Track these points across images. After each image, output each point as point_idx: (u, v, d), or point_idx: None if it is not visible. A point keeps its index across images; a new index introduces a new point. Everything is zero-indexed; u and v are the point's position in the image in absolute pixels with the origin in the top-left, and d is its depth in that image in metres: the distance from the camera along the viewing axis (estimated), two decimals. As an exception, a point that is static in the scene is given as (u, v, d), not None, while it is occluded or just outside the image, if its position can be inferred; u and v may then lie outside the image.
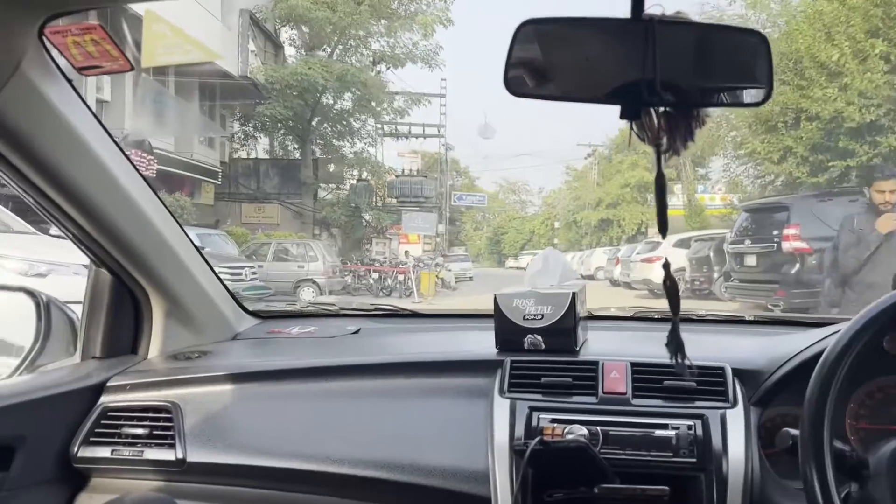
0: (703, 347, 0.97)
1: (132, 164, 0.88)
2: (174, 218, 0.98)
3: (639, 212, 22.55)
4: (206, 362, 1.02)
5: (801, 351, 0.85)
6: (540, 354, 0.97)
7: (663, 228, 0.52)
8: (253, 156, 17.70)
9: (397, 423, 0.91)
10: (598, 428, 0.82)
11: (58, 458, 0.88)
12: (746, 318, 1.23)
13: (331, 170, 17.18)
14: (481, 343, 1.03)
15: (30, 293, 0.95)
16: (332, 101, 16.22)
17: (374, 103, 16.28)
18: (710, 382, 0.85)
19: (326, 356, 1.04)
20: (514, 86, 0.53)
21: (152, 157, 9.70)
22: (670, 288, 0.53)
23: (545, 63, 0.53)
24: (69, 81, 0.78)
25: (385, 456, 0.86)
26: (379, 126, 18.28)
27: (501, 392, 0.89)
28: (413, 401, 0.93)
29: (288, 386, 0.95)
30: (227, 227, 13.36)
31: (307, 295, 9.95)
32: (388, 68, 16.81)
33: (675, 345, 0.58)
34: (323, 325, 1.25)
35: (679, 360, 0.58)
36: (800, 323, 1.18)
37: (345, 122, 16.95)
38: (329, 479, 0.85)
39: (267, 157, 17.88)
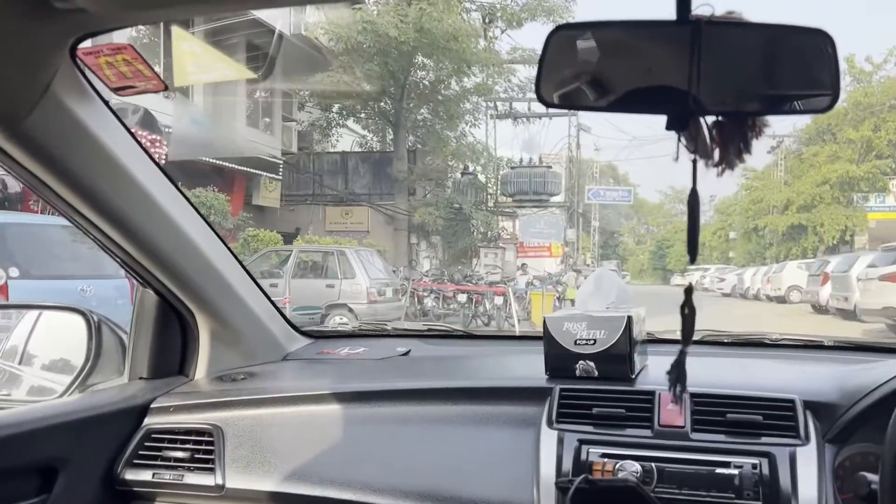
0: (772, 376, 1.04)
1: (173, 182, 1.14)
2: (219, 237, 1.25)
3: (841, 215, 21.73)
4: (251, 384, 1.25)
5: (885, 383, 0.89)
6: (592, 382, 1.11)
7: (693, 254, 0.56)
8: (326, 149, 18.38)
9: (441, 451, 1.08)
10: (653, 464, 0.92)
11: (100, 481, 1.12)
12: (825, 344, 1.25)
13: (430, 163, 17.46)
14: (533, 368, 1.18)
15: (81, 313, 1.29)
16: (422, 67, 16.10)
17: (476, 69, 16.03)
18: (779, 416, 0.93)
19: (373, 379, 1.26)
20: (547, 96, 0.61)
21: (159, 138, 9.21)
22: (687, 315, 0.59)
23: (581, 71, 0.59)
24: (105, 102, 0.98)
25: (425, 486, 1.02)
26: (489, 104, 18.45)
27: (549, 423, 1.03)
28: (459, 428, 1.10)
29: (331, 410, 1.15)
30: (308, 236, 14.01)
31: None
32: (502, 31, 16.80)
33: (676, 373, 0.69)
34: (373, 346, 1.49)
35: (677, 391, 0.69)
36: (886, 349, 1.17)
37: (441, 99, 16.85)
38: None
39: (355, 149, 18.66)
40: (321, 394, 1.17)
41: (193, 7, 0.91)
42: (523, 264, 16.15)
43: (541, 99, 0.62)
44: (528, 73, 17.16)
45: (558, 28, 0.62)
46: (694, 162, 0.55)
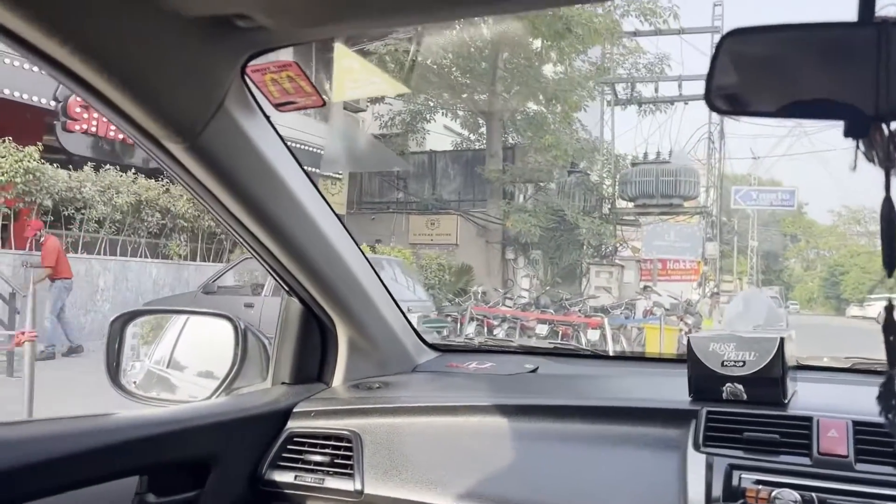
0: None
1: (322, 196, 1.45)
2: (360, 250, 1.56)
3: None
4: (387, 393, 1.53)
5: None
6: (741, 406, 1.29)
7: (890, 267, 0.61)
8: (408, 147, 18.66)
9: (577, 470, 1.28)
10: (814, 494, 1.06)
11: (247, 480, 1.44)
12: None
13: (530, 161, 17.60)
14: (672, 391, 1.40)
15: (230, 319, 1.64)
16: (518, 40, 16.25)
17: (581, 45, 16.00)
18: None
19: (505, 394, 1.51)
20: (719, 103, 0.71)
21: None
22: (891, 334, 0.65)
23: (755, 77, 0.70)
24: (267, 118, 1.23)
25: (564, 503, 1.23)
26: (603, 87, 18.41)
27: (696, 446, 1.19)
28: (596, 448, 1.31)
29: (466, 422, 1.39)
30: (386, 248, 14.61)
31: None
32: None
33: (887, 400, 0.75)
34: (500, 362, 1.78)
35: (891, 419, 0.74)
36: None
37: (543, 82, 16.81)
38: None
39: (439, 147, 18.96)
40: (457, 405, 1.44)
41: (371, 20, 1.07)
42: (645, 287, 15.53)
43: (710, 104, 0.72)
44: (657, 45, 16.99)
45: (731, 32, 0.71)
46: (886, 168, 0.61)
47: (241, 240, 1.40)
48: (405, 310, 1.73)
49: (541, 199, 17.76)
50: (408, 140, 18.88)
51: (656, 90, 18.58)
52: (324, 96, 1.29)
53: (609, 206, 18.84)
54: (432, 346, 1.85)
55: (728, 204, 24.71)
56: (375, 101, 17.88)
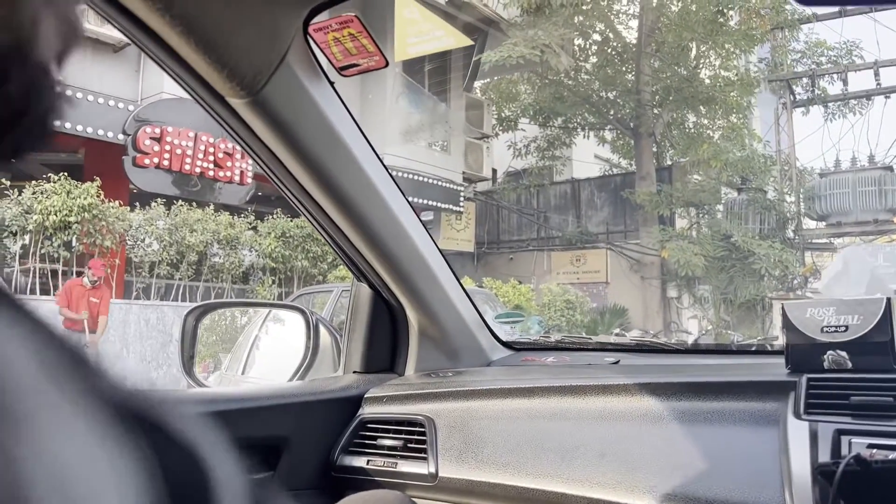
0: None
1: (391, 175, 1.61)
2: (432, 238, 1.73)
3: None
4: (461, 378, 1.71)
5: None
6: (846, 374, 1.35)
7: None
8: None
9: (665, 448, 1.33)
10: None
11: (319, 465, 1.62)
12: None
13: (690, 181, 17.26)
14: (770, 370, 1.47)
15: (302, 312, 1.88)
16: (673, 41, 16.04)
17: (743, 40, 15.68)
18: None
19: (584, 377, 1.62)
20: None
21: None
22: None
23: None
24: (331, 83, 1.38)
25: (650, 483, 1.29)
26: (775, 86, 17.87)
27: (797, 414, 1.24)
28: (684, 425, 1.38)
29: (542, 403, 1.52)
30: (525, 287, 14.60)
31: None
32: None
33: None
34: (580, 357, 1.92)
35: None
36: None
37: (700, 88, 16.49)
38: None
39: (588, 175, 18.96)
40: (532, 387, 1.58)
41: None
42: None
43: None
44: (841, 33, 16.37)
45: None
46: None
47: (305, 211, 1.58)
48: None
49: (703, 223, 17.26)
50: (545, 169, 19.13)
51: (845, 83, 17.72)
52: (385, 56, 1.42)
53: (793, 228, 17.98)
54: (507, 345, 2.02)
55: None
56: (507, 128, 18.34)
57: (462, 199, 15.95)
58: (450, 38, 12.20)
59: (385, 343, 1.85)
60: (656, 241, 16.36)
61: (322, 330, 1.84)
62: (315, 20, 1.28)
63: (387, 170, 1.60)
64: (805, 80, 17.97)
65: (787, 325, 1.45)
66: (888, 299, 1.39)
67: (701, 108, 17.31)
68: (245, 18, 1.16)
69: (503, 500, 1.47)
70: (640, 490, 1.30)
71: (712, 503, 1.21)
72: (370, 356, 1.83)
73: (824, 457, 1.15)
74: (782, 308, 1.49)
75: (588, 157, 19.59)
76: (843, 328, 1.40)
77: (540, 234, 18.80)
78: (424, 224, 1.74)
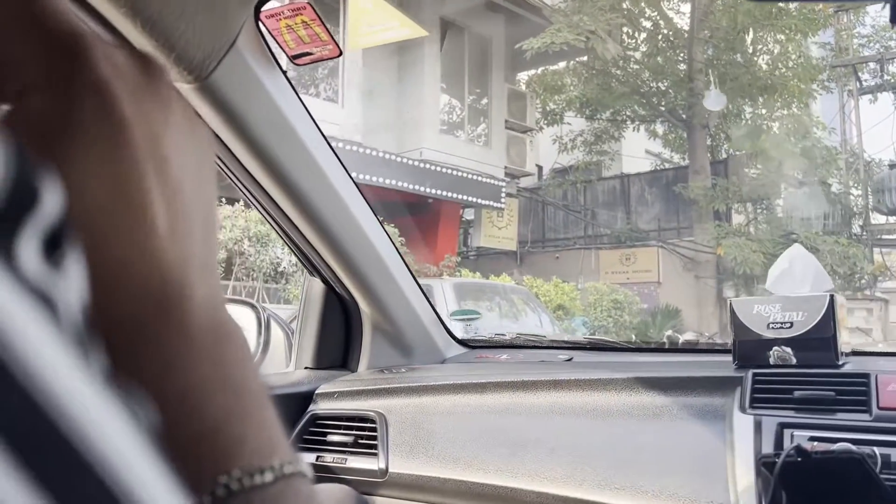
0: None
1: (345, 167, 1.66)
2: (386, 232, 1.80)
3: None
4: (413, 374, 1.78)
5: None
6: (791, 369, 1.42)
7: None
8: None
9: (613, 442, 1.39)
10: (876, 449, 1.16)
11: None
12: None
13: (748, 175, 16.98)
14: (717, 367, 1.53)
15: (253, 307, 1.89)
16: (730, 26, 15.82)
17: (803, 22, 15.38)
18: None
19: (537, 373, 1.68)
20: None
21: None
22: None
23: None
24: (283, 72, 1.39)
25: (599, 477, 1.36)
26: (840, 72, 17.51)
27: (742, 408, 1.31)
28: (633, 421, 1.45)
29: (495, 399, 1.58)
30: (568, 286, 14.45)
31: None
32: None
33: None
34: (532, 354, 2.01)
35: None
36: None
37: (759, 75, 16.37)
38: (539, 499, 1.36)
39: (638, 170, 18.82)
40: (484, 382, 1.64)
41: None
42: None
43: None
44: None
45: None
46: None
47: (255, 203, 1.62)
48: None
49: (762, 218, 17.01)
50: (593, 164, 18.95)
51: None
52: (339, 45, 1.45)
53: (861, 223, 17.60)
54: (462, 342, 2.10)
55: None
56: (552, 121, 18.28)
57: (503, 194, 15.74)
58: (404, 29, 12.15)
59: (338, 339, 1.92)
60: (711, 237, 16.12)
61: (273, 325, 1.89)
62: (267, 6, 1.32)
63: (342, 164, 1.65)
64: (873, 64, 17.58)
65: (735, 321, 1.52)
66: (832, 296, 1.45)
67: (759, 97, 17.02)
68: (194, 1, 1.17)
69: (453, 495, 1.53)
70: (589, 484, 1.35)
71: (661, 496, 1.27)
72: (322, 352, 1.90)
73: (767, 449, 1.22)
74: (730, 305, 1.55)
75: (638, 152, 19.34)
76: (788, 324, 1.47)
77: (587, 231, 18.64)
78: (381, 220, 1.80)
